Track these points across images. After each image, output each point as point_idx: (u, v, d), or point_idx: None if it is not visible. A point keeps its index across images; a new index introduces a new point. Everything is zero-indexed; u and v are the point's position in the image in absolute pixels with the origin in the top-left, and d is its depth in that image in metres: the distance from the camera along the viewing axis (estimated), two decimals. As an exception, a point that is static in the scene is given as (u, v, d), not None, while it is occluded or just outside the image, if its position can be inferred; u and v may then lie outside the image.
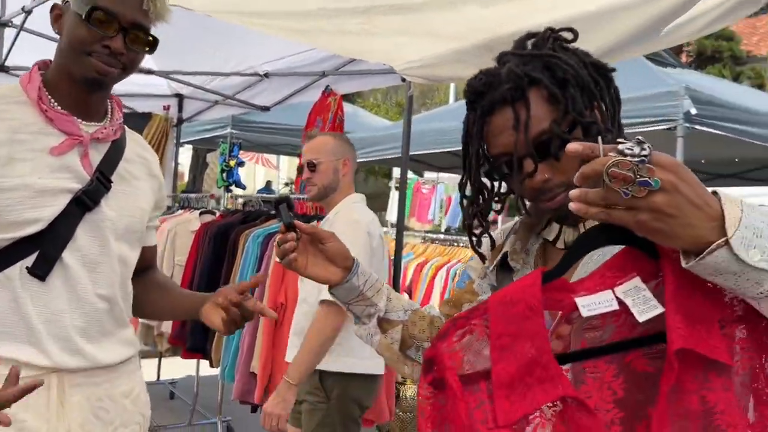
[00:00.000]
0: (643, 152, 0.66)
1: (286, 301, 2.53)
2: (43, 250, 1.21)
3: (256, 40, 3.34)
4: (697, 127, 3.32)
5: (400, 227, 3.03)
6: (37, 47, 3.32)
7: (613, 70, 1.01)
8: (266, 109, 4.23)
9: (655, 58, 4.48)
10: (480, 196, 1.07)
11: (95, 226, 1.27)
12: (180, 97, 4.56)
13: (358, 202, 2.30)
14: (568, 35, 1.01)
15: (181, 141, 4.98)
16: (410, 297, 4.40)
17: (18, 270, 1.21)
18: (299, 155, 3.60)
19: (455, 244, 4.36)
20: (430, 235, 4.78)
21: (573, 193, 0.70)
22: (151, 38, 1.28)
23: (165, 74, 3.83)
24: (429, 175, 9.66)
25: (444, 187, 9.89)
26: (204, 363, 3.94)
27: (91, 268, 1.27)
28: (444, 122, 5.15)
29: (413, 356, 1.18)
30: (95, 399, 1.29)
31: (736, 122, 3.55)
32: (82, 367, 1.26)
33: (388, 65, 2.88)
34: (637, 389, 0.77)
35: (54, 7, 1.27)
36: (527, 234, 1.11)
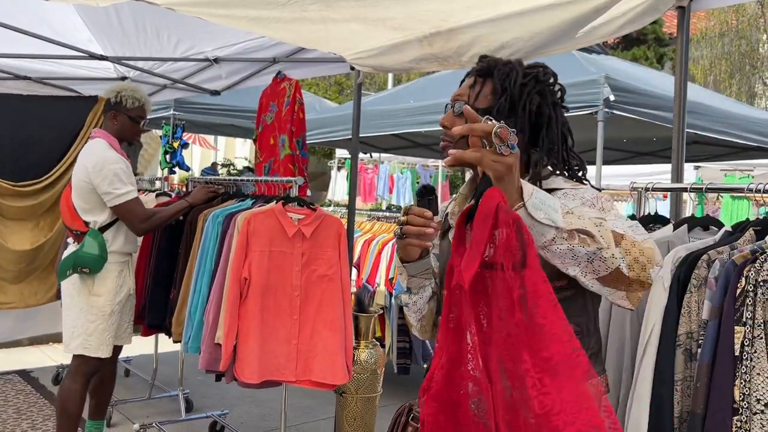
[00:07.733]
0: (512, 129, 0.99)
1: (250, 276, 2.71)
2: None
3: (207, 27, 3.45)
4: (616, 112, 3.67)
5: (352, 206, 3.27)
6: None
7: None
8: (216, 93, 4.33)
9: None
10: None
11: None
12: (127, 81, 4.61)
13: None
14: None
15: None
16: (358, 272, 4.64)
17: None
18: (254, 140, 3.76)
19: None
20: (375, 213, 5.02)
21: (452, 151, 1.03)
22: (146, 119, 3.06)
23: (116, 60, 3.88)
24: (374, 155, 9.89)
25: (388, 167, 10.14)
26: (161, 340, 4.08)
27: None
28: (386, 105, 5.35)
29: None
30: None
31: (650, 107, 3.93)
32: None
33: (338, 54, 3.07)
34: None
35: (115, 112, 2.93)
36: (463, 201, 1.42)
